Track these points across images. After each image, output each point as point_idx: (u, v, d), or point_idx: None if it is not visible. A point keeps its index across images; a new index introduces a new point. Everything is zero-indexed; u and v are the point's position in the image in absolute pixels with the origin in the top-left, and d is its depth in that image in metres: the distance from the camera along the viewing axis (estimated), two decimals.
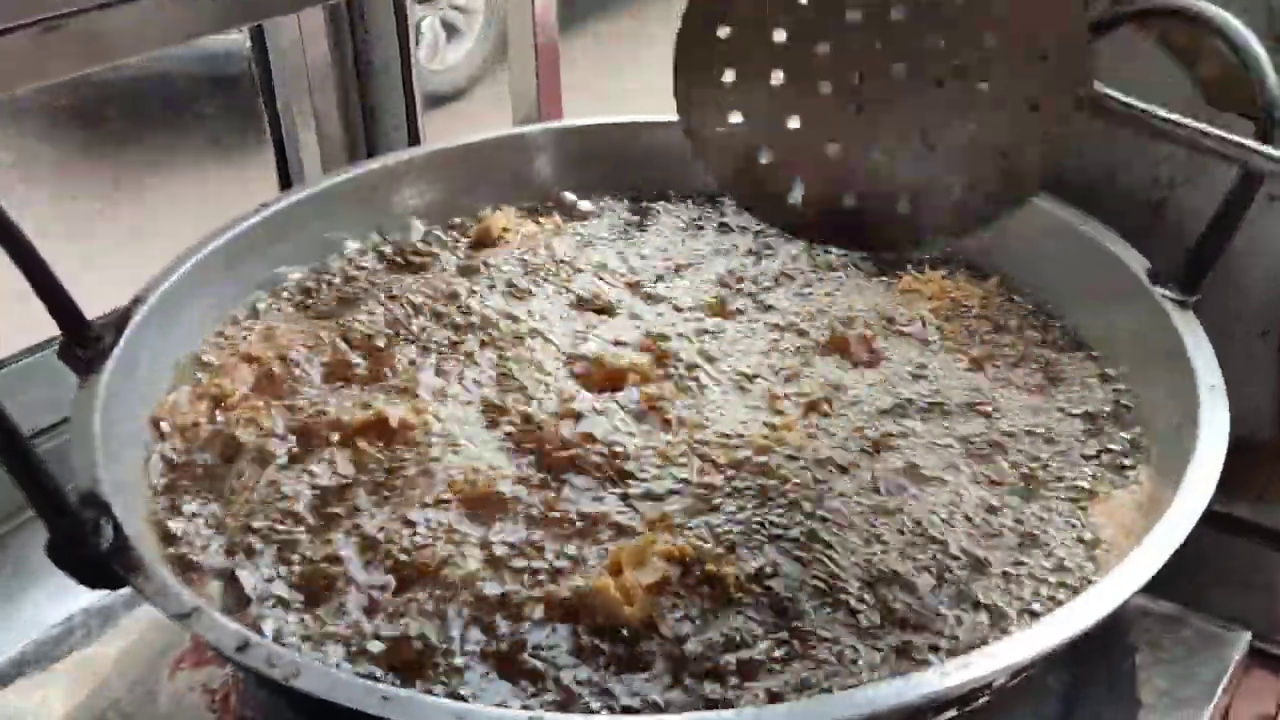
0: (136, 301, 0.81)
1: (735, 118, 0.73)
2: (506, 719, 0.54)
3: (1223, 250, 0.79)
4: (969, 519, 0.72)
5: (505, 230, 1.02)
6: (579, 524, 0.71)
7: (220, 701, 0.75)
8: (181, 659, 0.78)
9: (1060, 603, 0.66)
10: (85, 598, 0.83)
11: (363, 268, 0.98)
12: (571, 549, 0.69)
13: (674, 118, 0.74)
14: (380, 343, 0.88)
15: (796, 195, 0.75)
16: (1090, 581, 0.68)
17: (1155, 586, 0.61)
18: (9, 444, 0.56)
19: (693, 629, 0.64)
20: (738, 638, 0.64)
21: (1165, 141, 0.71)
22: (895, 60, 0.71)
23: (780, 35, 0.71)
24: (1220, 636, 0.80)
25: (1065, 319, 0.91)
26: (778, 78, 0.72)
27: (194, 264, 0.86)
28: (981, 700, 0.61)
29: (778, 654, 0.63)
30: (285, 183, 1.26)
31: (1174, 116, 0.68)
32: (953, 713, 0.60)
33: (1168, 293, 0.81)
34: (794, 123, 0.73)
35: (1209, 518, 0.65)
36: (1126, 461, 0.77)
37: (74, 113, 2.63)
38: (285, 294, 0.94)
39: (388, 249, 1.01)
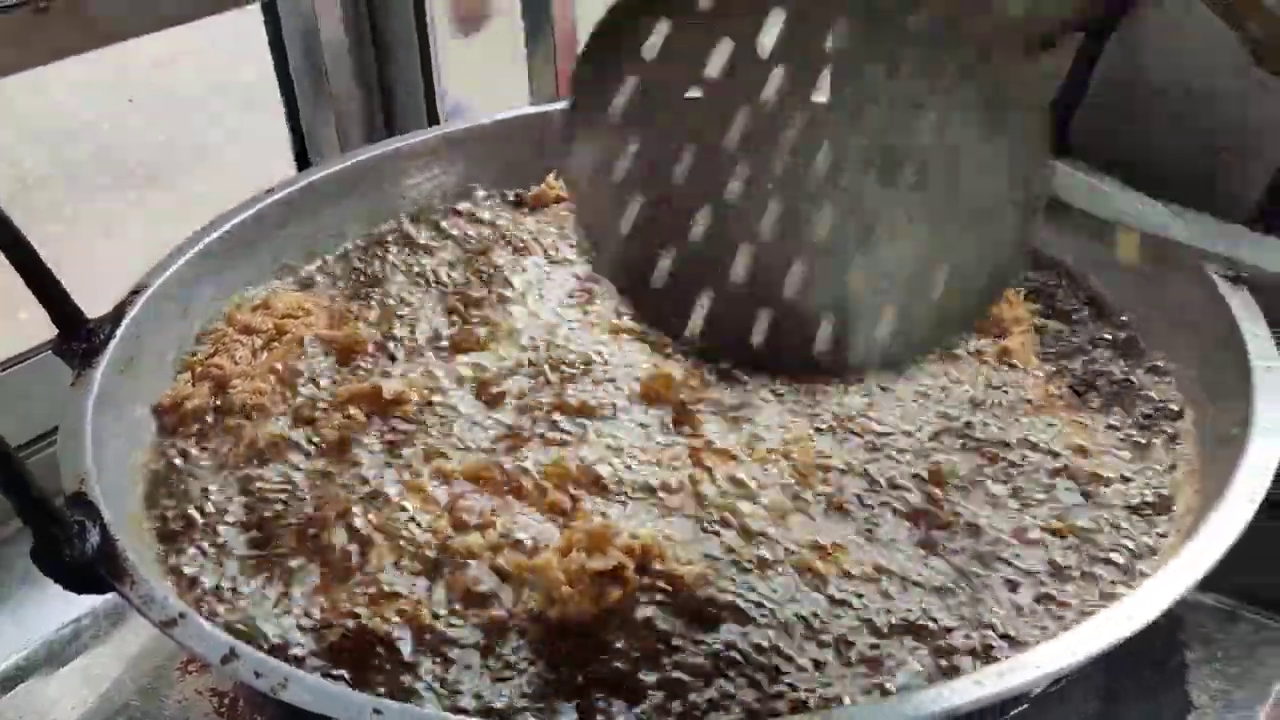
0: (135, 293, 0.79)
1: (632, 209, 0.59)
2: None
3: None
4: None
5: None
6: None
7: (227, 707, 0.74)
8: (189, 661, 0.77)
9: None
10: (93, 599, 0.80)
11: (377, 251, 0.97)
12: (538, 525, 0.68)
13: None
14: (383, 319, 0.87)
15: (696, 323, 0.60)
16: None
17: (1208, 580, 0.58)
18: None
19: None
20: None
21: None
22: (821, 151, 0.57)
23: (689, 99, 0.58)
24: (1278, 633, 0.75)
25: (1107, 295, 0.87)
26: (684, 163, 0.59)
27: (195, 253, 0.84)
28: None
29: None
30: (303, 165, 1.23)
31: (1133, 209, 0.60)
32: None
33: (1221, 269, 0.76)
34: (700, 227, 0.59)
35: (1267, 508, 0.61)
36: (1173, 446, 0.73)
37: None
38: (292, 280, 0.92)
39: (409, 228, 0.99)
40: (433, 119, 1.24)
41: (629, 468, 0.72)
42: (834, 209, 0.57)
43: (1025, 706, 0.59)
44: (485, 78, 1.29)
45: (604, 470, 0.71)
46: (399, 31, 1.21)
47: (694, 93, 0.57)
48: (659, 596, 0.62)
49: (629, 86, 0.57)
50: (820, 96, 0.56)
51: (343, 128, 1.23)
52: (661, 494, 0.70)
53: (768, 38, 0.55)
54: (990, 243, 0.57)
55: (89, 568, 0.58)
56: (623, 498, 0.70)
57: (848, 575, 0.64)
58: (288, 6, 1.16)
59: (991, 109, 0.55)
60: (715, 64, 0.56)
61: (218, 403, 0.78)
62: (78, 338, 0.73)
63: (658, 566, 0.63)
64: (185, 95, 2.51)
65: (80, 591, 0.59)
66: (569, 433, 0.75)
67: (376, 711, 0.50)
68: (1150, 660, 0.74)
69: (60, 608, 0.82)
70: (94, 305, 0.77)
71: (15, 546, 0.87)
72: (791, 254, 0.58)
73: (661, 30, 0.56)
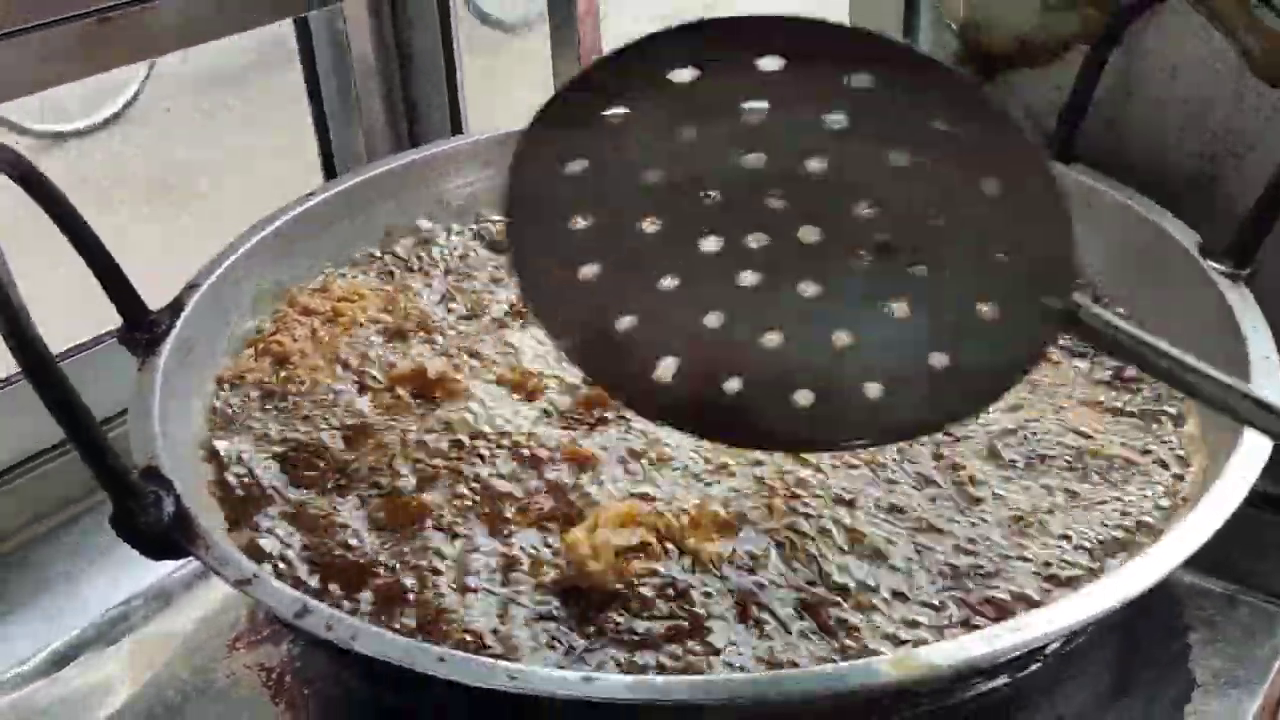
0: (191, 288, 0.83)
1: (590, 269, 0.56)
2: (565, 680, 0.54)
3: (1276, 221, 0.79)
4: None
5: None
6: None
7: (274, 681, 0.77)
8: (238, 639, 0.80)
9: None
10: (143, 580, 0.85)
11: (426, 245, 1.01)
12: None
13: None
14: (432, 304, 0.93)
15: (666, 371, 0.57)
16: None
17: (1212, 567, 0.60)
18: (76, 420, 0.58)
19: None
20: None
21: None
22: (808, 222, 0.54)
23: (653, 176, 0.54)
24: (1278, 616, 0.78)
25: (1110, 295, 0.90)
26: (649, 226, 0.55)
27: (244, 251, 0.88)
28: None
29: None
30: (330, 174, 1.27)
31: (1158, 345, 0.55)
32: (1004, 679, 0.59)
33: (1219, 266, 0.80)
34: (668, 282, 0.56)
35: (1270, 500, 0.65)
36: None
37: None
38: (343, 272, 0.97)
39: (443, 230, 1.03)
40: (456, 131, 1.28)
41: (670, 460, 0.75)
42: (819, 282, 0.55)
43: (1038, 665, 0.63)
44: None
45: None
46: (425, 48, 1.25)
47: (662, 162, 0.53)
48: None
49: (581, 162, 0.53)
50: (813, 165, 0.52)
51: (370, 140, 1.27)
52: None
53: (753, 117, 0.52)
54: (993, 339, 0.54)
55: (165, 535, 0.62)
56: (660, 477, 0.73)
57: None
58: (319, 22, 1.21)
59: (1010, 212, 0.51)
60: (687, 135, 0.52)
61: (282, 373, 0.83)
62: (141, 328, 0.77)
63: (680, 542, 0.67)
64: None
65: (157, 557, 0.63)
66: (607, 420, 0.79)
67: (441, 659, 0.54)
68: (1158, 642, 0.77)
69: (108, 589, 0.86)
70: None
71: (46, 545, 0.92)
72: (769, 320, 0.56)
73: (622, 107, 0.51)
